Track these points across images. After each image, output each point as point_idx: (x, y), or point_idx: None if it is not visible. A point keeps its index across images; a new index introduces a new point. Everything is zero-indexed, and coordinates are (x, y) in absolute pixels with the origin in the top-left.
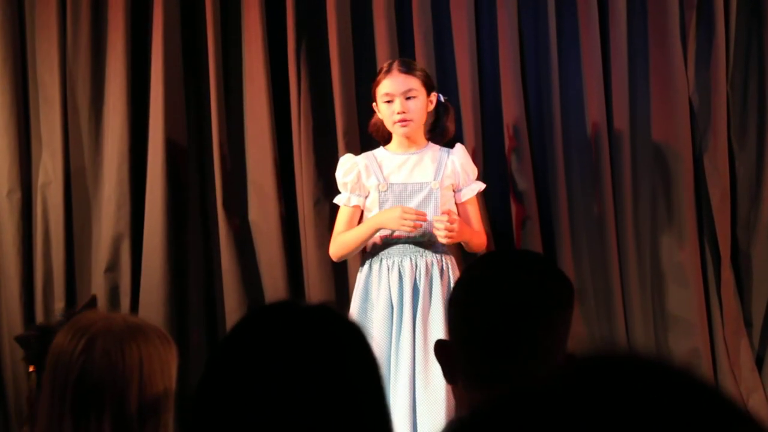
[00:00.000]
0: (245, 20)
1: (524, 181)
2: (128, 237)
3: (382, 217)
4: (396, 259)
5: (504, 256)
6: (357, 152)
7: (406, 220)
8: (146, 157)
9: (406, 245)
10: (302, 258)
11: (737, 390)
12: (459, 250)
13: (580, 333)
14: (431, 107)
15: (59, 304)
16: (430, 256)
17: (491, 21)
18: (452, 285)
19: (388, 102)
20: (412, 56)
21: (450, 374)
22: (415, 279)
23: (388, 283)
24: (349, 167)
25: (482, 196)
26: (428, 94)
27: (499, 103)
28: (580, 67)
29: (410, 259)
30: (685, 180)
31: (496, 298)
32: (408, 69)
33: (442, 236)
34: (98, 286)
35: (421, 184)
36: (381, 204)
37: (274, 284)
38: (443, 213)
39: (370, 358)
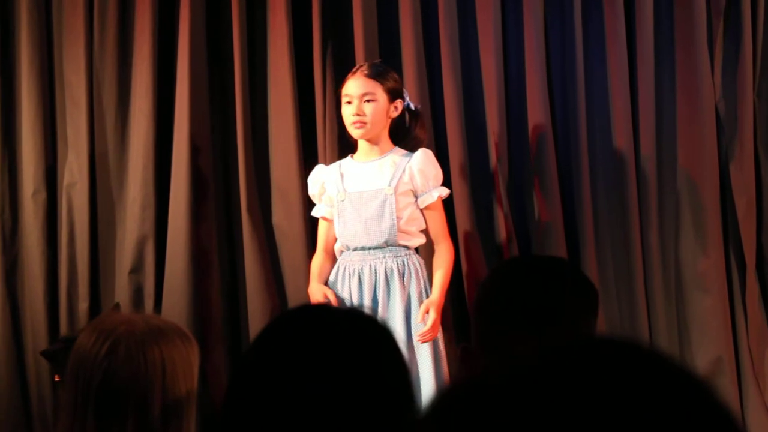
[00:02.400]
0: (271, 23)
1: (549, 186)
2: (153, 238)
3: (311, 287)
4: (357, 266)
5: (528, 262)
6: None
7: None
8: (171, 159)
9: (366, 251)
10: None
11: (761, 399)
12: (429, 250)
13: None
14: (395, 113)
15: (83, 305)
16: (390, 262)
17: (517, 24)
18: (420, 284)
19: (348, 103)
20: (438, 59)
21: None
22: (375, 284)
23: (350, 289)
24: (314, 179)
25: (506, 198)
26: (392, 101)
27: (524, 106)
28: (606, 73)
29: (369, 265)
30: (711, 187)
31: (520, 303)
32: (371, 73)
33: (428, 338)
34: (122, 287)
35: (376, 190)
36: (339, 213)
37: (297, 288)
38: (419, 323)
39: (401, 362)
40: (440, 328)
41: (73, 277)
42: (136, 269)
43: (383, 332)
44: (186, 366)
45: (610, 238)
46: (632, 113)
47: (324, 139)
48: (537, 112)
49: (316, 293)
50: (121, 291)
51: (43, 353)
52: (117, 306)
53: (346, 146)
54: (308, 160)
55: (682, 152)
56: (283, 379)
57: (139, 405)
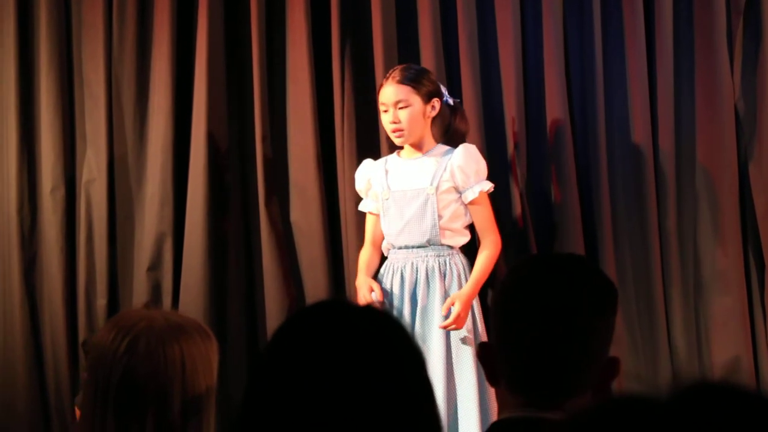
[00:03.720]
0: (290, 20)
1: (567, 183)
2: (171, 236)
3: (358, 280)
4: (400, 264)
5: (547, 260)
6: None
7: (361, 296)
8: (189, 156)
9: (409, 250)
10: (343, 259)
11: None
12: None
13: (622, 338)
14: (433, 113)
15: (101, 302)
16: (432, 261)
17: (536, 20)
18: (462, 284)
19: (385, 111)
20: (456, 57)
21: (492, 376)
22: (415, 283)
23: (391, 286)
24: (361, 174)
25: (524, 195)
26: (427, 102)
27: (543, 103)
28: (625, 71)
29: (412, 263)
30: (730, 187)
31: (538, 301)
32: (403, 78)
33: (452, 329)
34: (140, 284)
35: (418, 190)
36: (384, 211)
37: (315, 285)
38: (444, 313)
39: (418, 358)
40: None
41: (91, 274)
42: (155, 266)
43: (399, 328)
44: (205, 362)
45: (628, 237)
46: (651, 111)
47: (342, 137)
48: (555, 109)
49: (363, 286)
50: (140, 288)
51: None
52: (148, 304)
53: (364, 144)
54: (326, 157)
55: (701, 151)
56: (300, 375)
57: (159, 401)
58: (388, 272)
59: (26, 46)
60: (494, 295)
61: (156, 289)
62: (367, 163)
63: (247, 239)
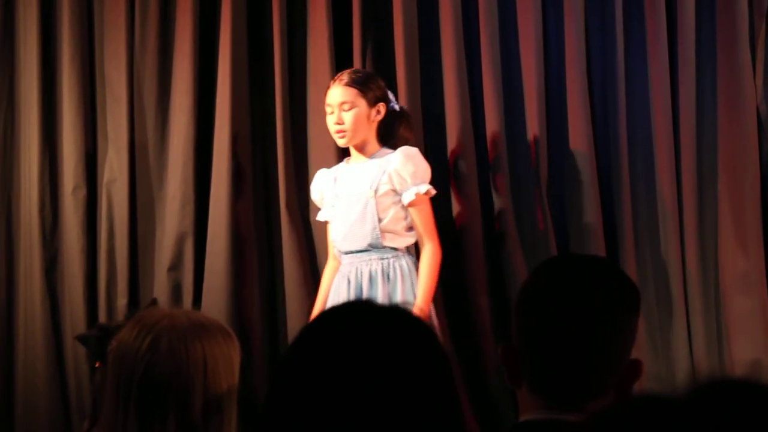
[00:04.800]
0: (311, 21)
1: (588, 186)
2: (192, 236)
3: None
4: (346, 269)
5: (569, 261)
6: (422, 147)
7: None
8: (211, 156)
9: (354, 255)
10: None
11: None
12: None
13: (642, 340)
14: (378, 117)
15: (122, 301)
16: (375, 264)
17: (558, 25)
18: (407, 286)
19: (330, 113)
20: (478, 59)
21: (513, 377)
22: (359, 287)
23: (338, 291)
24: (314, 185)
25: (546, 198)
26: (373, 105)
27: (564, 108)
28: (647, 75)
29: (356, 268)
30: (751, 189)
31: (561, 303)
32: (350, 81)
33: None
34: (161, 284)
35: (359, 194)
36: (333, 217)
37: None
38: None
39: (443, 359)
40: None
41: (112, 274)
42: (175, 266)
43: (425, 331)
44: (227, 362)
45: (649, 239)
46: (673, 114)
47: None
48: (577, 112)
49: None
50: (160, 288)
51: (78, 337)
52: (154, 301)
53: (386, 144)
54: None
55: (723, 154)
56: (324, 376)
57: (181, 400)
58: (339, 279)
59: (49, 45)
60: (517, 298)
61: (176, 289)
62: (321, 172)
63: (268, 240)
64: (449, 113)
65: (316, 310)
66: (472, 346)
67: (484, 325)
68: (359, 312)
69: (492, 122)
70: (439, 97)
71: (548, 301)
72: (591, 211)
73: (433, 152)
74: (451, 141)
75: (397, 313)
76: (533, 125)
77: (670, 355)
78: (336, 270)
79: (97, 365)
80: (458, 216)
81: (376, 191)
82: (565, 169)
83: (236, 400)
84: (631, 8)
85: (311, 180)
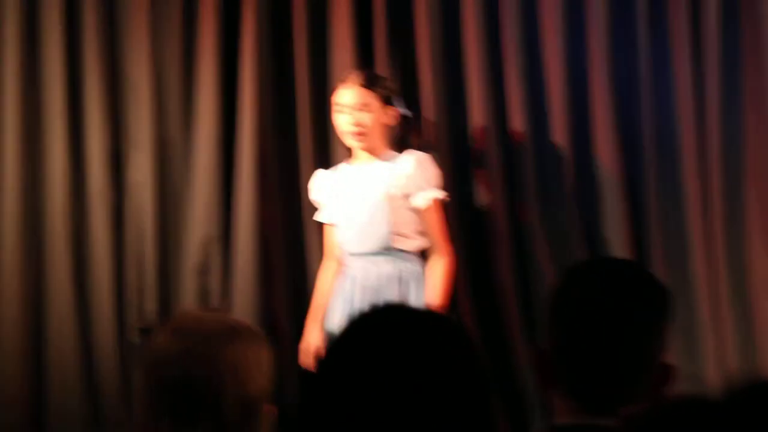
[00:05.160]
0: (334, 21)
1: (615, 189)
2: (219, 239)
3: (307, 331)
4: (352, 271)
5: (602, 265)
6: (447, 154)
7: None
8: (235, 158)
9: (362, 257)
10: None
11: None
12: None
13: (671, 344)
14: (390, 121)
15: (150, 305)
16: (385, 266)
17: (582, 31)
18: (419, 288)
19: (340, 112)
20: (501, 65)
21: (547, 382)
22: (371, 289)
23: (344, 292)
24: (314, 185)
25: (573, 202)
26: (385, 108)
27: (589, 112)
28: (672, 78)
29: (366, 270)
30: None
31: (595, 306)
32: (364, 82)
33: None
34: (189, 288)
35: (369, 196)
36: (338, 218)
37: None
38: None
39: (478, 363)
40: None
41: (139, 277)
42: (203, 270)
43: (462, 336)
44: (260, 366)
45: (676, 242)
46: (698, 117)
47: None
48: (602, 117)
49: (310, 342)
50: (188, 292)
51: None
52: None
53: (405, 148)
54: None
55: (749, 157)
56: (359, 381)
57: (213, 403)
58: (344, 280)
59: (72, 47)
60: (549, 302)
61: (204, 293)
62: (321, 173)
63: (295, 242)
64: (473, 119)
65: (315, 312)
66: (501, 349)
67: (512, 329)
68: (395, 316)
69: (517, 128)
70: (464, 104)
71: (580, 306)
72: (617, 215)
73: (458, 160)
74: (476, 148)
75: (433, 319)
76: (558, 131)
77: (698, 359)
78: (335, 271)
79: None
80: (485, 222)
81: (388, 194)
82: (591, 174)
83: (269, 403)
84: (655, 13)
85: None
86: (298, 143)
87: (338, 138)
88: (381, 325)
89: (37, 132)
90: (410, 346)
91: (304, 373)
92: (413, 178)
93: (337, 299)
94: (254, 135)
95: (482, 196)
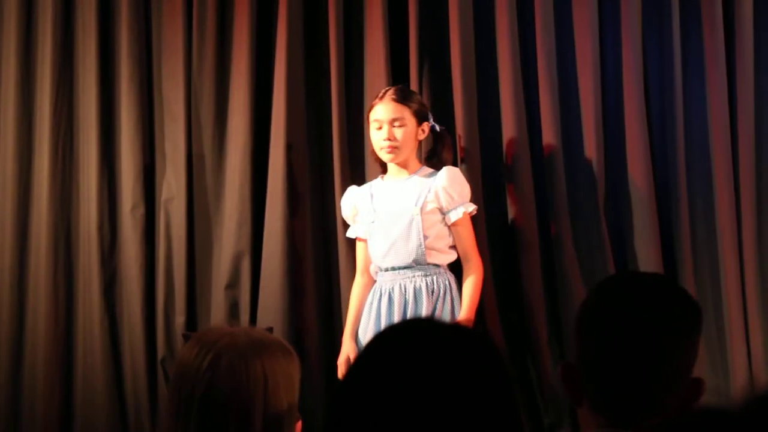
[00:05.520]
0: (368, 38)
1: (646, 203)
2: (249, 254)
3: (344, 343)
4: (388, 286)
5: (632, 279)
6: (478, 166)
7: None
8: (268, 175)
9: (396, 271)
10: None
11: None
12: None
13: (701, 358)
14: (423, 136)
15: (180, 319)
16: (419, 281)
17: (615, 43)
18: (450, 302)
19: (378, 128)
20: (535, 76)
21: (574, 395)
22: (405, 304)
23: (379, 308)
24: (347, 201)
25: (603, 213)
26: (419, 123)
27: (622, 125)
28: (705, 88)
29: (399, 284)
30: None
31: (624, 320)
32: (399, 97)
33: None
34: (218, 302)
35: (404, 210)
36: (371, 233)
37: None
38: None
39: (505, 377)
40: None
41: (170, 292)
42: (232, 284)
43: (490, 349)
44: (287, 379)
45: (708, 252)
46: (731, 130)
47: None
48: (634, 130)
49: (346, 353)
50: (217, 306)
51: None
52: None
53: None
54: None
55: None
56: (390, 395)
57: (241, 418)
58: (376, 295)
59: (107, 65)
60: (578, 315)
61: (234, 308)
62: (352, 189)
63: (325, 257)
64: (506, 130)
65: (349, 328)
66: (529, 363)
67: (541, 342)
68: (423, 331)
69: (549, 139)
70: (496, 117)
71: (609, 320)
72: (649, 229)
73: (489, 172)
74: (508, 160)
75: (462, 333)
76: (590, 144)
77: (729, 373)
78: (367, 287)
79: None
80: (515, 234)
81: (422, 208)
82: (623, 187)
83: (296, 417)
84: (689, 25)
85: None
86: (329, 158)
87: (369, 153)
88: (407, 339)
89: (72, 147)
90: (437, 360)
91: (330, 386)
92: (447, 193)
93: (369, 314)
94: (285, 150)
95: (513, 209)
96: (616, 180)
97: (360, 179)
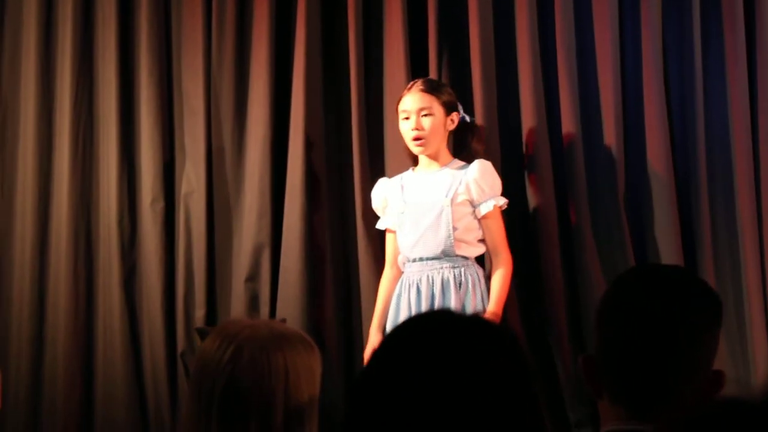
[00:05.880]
0: (387, 31)
1: (666, 197)
2: (269, 247)
3: (371, 335)
4: (416, 277)
5: (652, 271)
6: (498, 158)
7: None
8: (287, 167)
9: (424, 262)
10: None
11: None
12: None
13: (722, 351)
14: (452, 126)
15: (200, 312)
16: (447, 272)
17: (635, 36)
18: (477, 294)
19: (406, 119)
20: (554, 69)
21: (594, 388)
22: (432, 295)
23: (408, 300)
24: (377, 193)
25: (623, 208)
26: (448, 114)
27: (642, 118)
28: (725, 85)
29: (427, 276)
30: None
31: (644, 313)
32: (427, 88)
33: None
34: (238, 295)
35: (434, 202)
36: (400, 224)
37: None
38: None
39: (526, 370)
40: None
41: (190, 285)
42: (252, 277)
43: (509, 341)
44: (308, 372)
45: (728, 249)
46: (752, 124)
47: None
48: (654, 124)
49: (368, 356)
50: (237, 299)
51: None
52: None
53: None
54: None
55: None
56: (409, 387)
57: (262, 410)
58: (404, 287)
59: (127, 59)
60: (598, 308)
61: (254, 300)
62: (383, 181)
63: (344, 250)
64: (525, 123)
65: (377, 320)
66: (549, 357)
67: (561, 336)
68: (442, 322)
69: (568, 133)
70: (516, 109)
71: (629, 312)
72: (669, 222)
73: (509, 164)
74: (528, 153)
75: (481, 324)
76: (610, 137)
77: (749, 366)
78: (395, 279)
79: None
80: (535, 227)
81: (452, 200)
82: (643, 180)
83: (317, 410)
84: (710, 16)
85: None
86: (348, 151)
87: (389, 146)
88: (426, 330)
89: (92, 141)
90: (456, 352)
91: (350, 379)
92: (478, 185)
93: (398, 305)
94: (305, 144)
95: (532, 202)
96: (637, 173)
97: (379, 172)
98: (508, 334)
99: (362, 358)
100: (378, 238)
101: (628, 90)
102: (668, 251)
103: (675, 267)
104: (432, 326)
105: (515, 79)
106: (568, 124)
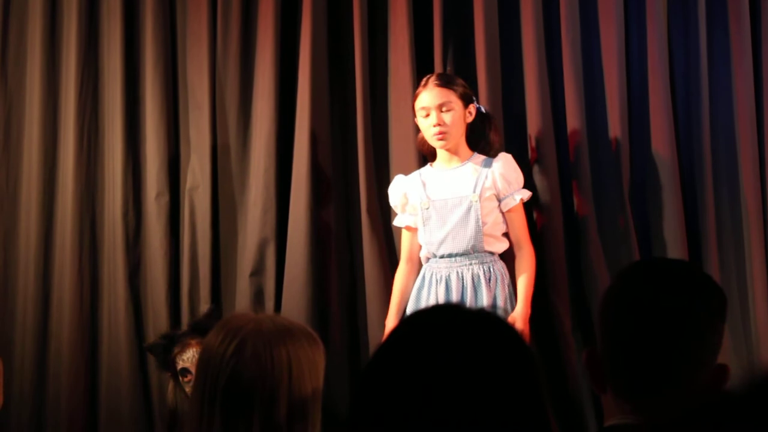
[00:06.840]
0: (392, 25)
1: (671, 190)
2: (273, 241)
3: (388, 322)
4: (444, 273)
5: (656, 266)
6: (503, 151)
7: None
8: (292, 162)
9: (453, 258)
10: None
11: None
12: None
13: (726, 345)
14: (470, 119)
15: (204, 307)
16: (476, 268)
17: (640, 28)
18: (506, 289)
19: (426, 116)
20: (560, 63)
21: (598, 382)
22: (462, 291)
23: (436, 296)
24: (395, 189)
25: (628, 201)
26: (466, 106)
27: (647, 111)
28: (731, 77)
29: (456, 272)
30: None
31: (648, 307)
32: (443, 82)
33: None
34: (243, 289)
35: (461, 197)
36: (424, 221)
37: None
38: None
39: (532, 364)
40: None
41: (194, 279)
42: (257, 272)
43: (515, 336)
44: (312, 366)
45: (733, 243)
46: (757, 117)
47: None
48: (659, 117)
49: None
50: (242, 293)
51: (146, 346)
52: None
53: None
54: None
55: None
56: (414, 381)
57: (266, 404)
58: (429, 283)
59: (132, 53)
60: (602, 302)
61: (258, 295)
62: (401, 178)
63: (349, 244)
64: (530, 117)
65: (392, 316)
66: (553, 352)
67: (565, 330)
68: (448, 316)
69: (573, 126)
70: (521, 100)
71: (633, 306)
72: (674, 216)
73: (514, 156)
74: (532, 145)
75: (487, 318)
76: (615, 129)
77: (753, 361)
78: (411, 274)
79: (168, 375)
80: (539, 220)
81: (480, 195)
82: (648, 174)
83: (321, 404)
84: (715, 11)
85: None
86: (354, 145)
87: (394, 140)
88: (433, 324)
89: (97, 134)
90: (462, 346)
91: (354, 373)
92: (504, 180)
93: (418, 300)
94: (310, 138)
95: (537, 194)
96: (641, 167)
97: (384, 166)
98: (513, 329)
99: (367, 352)
100: (383, 232)
101: (633, 83)
102: (673, 245)
103: (679, 261)
104: (438, 320)
105: (520, 73)
106: (574, 117)
